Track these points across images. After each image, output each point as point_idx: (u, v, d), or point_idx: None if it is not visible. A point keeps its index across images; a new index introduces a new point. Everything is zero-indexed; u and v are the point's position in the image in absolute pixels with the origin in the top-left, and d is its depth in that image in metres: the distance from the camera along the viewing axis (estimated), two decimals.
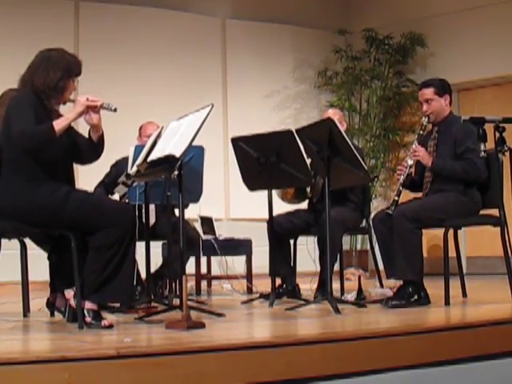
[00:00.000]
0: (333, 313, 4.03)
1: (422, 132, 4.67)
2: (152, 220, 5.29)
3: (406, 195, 4.75)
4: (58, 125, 3.53)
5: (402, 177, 4.62)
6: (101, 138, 3.75)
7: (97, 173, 5.55)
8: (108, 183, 5.46)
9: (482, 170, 4.44)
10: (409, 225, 4.32)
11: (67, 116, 3.60)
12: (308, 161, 4.60)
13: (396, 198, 4.55)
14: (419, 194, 4.77)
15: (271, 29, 8.96)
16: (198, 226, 6.10)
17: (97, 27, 7.97)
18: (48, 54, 3.69)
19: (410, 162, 4.63)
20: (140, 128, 5.67)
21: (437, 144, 4.65)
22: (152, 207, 5.27)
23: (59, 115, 3.72)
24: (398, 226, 4.36)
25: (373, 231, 4.77)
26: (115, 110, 3.68)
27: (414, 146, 4.63)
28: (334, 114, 5.33)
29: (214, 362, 2.73)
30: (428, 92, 4.63)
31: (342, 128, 4.49)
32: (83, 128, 3.92)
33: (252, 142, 4.66)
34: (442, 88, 4.65)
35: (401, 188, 4.62)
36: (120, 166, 5.43)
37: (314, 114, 8.94)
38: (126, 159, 5.09)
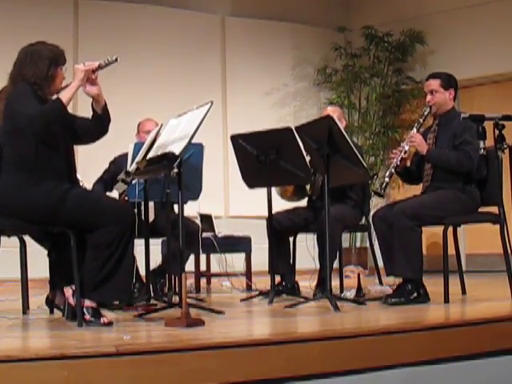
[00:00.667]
0: (332, 310, 4.03)
1: (421, 120, 4.68)
2: (151, 217, 5.28)
3: (406, 192, 4.75)
4: (64, 96, 3.54)
5: (395, 160, 4.61)
6: (105, 109, 3.74)
7: (95, 169, 5.55)
8: (106, 180, 5.46)
9: (476, 163, 4.44)
10: (408, 222, 4.32)
11: (71, 85, 3.61)
12: (307, 158, 4.60)
13: (387, 180, 4.57)
14: (417, 190, 4.76)
15: (271, 26, 8.96)
16: (197, 223, 6.09)
17: (96, 25, 7.97)
18: (31, 48, 3.70)
19: (406, 148, 4.61)
20: (138, 125, 5.67)
21: (436, 137, 4.65)
22: (151, 204, 5.27)
23: None
24: (397, 223, 4.36)
25: (373, 228, 4.77)
26: (116, 59, 3.64)
27: (411, 132, 4.65)
28: (333, 111, 5.33)
29: (213, 359, 2.73)
30: (434, 83, 4.65)
31: (342, 125, 4.49)
32: (82, 109, 3.91)
33: (251, 140, 4.65)
34: (448, 82, 4.67)
35: (393, 170, 4.62)
36: (119, 162, 5.42)
37: (313, 112, 8.94)
38: (124, 156, 5.08)
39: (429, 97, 4.67)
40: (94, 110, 3.75)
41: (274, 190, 4.94)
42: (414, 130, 4.66)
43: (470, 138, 4.41)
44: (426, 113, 4.67)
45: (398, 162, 4.61)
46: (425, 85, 4.75)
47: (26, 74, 3.62)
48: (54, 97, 3.69)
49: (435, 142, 4.64)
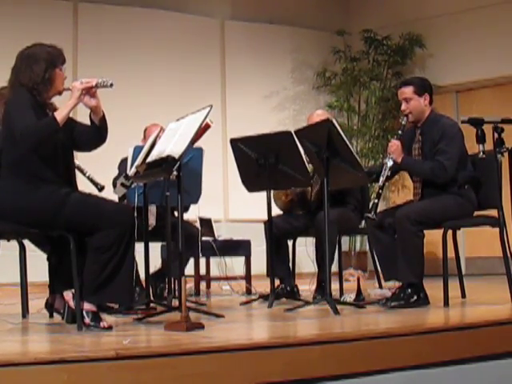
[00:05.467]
0: (332, 314, 4.03)
1: (400, 132, 4.59)
2: (154, 222, 5.30)
3: (406, 195, 4.74)
4: (59, 114, 3.53)
5: (381, 178, 4.57)
6: (103, 120, 3.73)
7: (97, 172, 5.53)
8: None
9: (451, 173, 4.39)
10: (412, 227, 4.29)
11: (66, 104, 3.60)
12: (310, 167, 4.59)
13: (376, 201, 4.47)
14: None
15: (270, 30, 8.97)
16: (197, 226, 6.10)
17: (95, 28, 7.98)
18: (27, 52, 3.68)
19: (389, 164, 4.54)
20: (145, 130, 5.66)
21: (421, 147, 4.57)
22: (154, 210, 5.29)
23: (55, 108, 3.72)
24: (400, 229, 4.33)
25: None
26: (111, 85, 3.64)
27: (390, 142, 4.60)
28: (321, 115, 5.26)
29: (213, 363, 2.73)
30: (407, 91, 4.55)
31: None
32: (82, 117, 3.92)
33: (251, 143, 4.65)
34: (422, 87, 4.57)
35: (380, 191, 4.56)
36: (121, 166, 5.42)
37: None
38: (124, 160, 5.08)
39: (404, 105, 4.56)
40: (91, 120, 3.74)
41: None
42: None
43: (445, 147, 4.37)
44: (403, 122, 4.57)
45: (384, 181, 4.57)
46: (398, 93, 4.64)
47: (22, 80, 3.60)
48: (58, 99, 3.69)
49: (421, 153, 4.56)
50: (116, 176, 5.51)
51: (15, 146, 3.52)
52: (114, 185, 4.83)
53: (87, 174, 4.92)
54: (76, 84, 3.62)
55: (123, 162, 5.55)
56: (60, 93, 3.72)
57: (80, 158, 4.67)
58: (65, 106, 3.58)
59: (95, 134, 3.75)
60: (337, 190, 4.69)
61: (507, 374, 3.36)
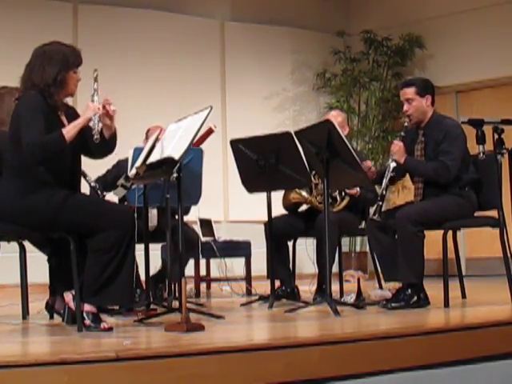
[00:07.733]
0: (332, 315, 4.03)
1: (403, 133, 4.58)
2: (155, 223, 5.30)
3: (405, 196, 4.74)
4: (68, 132, 3.49)
5: (384, 181, 4.58)
6: (113, 136, 3.69)
7: (96, 173, 5.54)
8: (105, 180, 5.42)
9: (454, 173, 4.39)
10: (413, 228, 4.30)
11: (76, 122, 3.54)
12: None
13: (380, 203, 4.47)
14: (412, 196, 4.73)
15: (270, 31, 8.97)
16: (197, 228, 6.10)
17: (95, 30, 7.97)
18: (42, 50, 3.62)
19: (393, 165, 4.54)
20: (147, 131, 5.65)
21: (424, 148, 4.56)
22: (155, 211, 5.28)
23: (69, 108, 3.71)
24: (401, 229, 4.33)
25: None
26: (96, 139, 3.51)
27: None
28: (336, 116, 5.28)
29: (213, 364, 2.73)
30: (409, 91, 4.54)
31: (344, 132, 4.45)
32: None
33: (251, 144, 4.65)
34: (424, 88, 4.55)
35: (384, 192, 4.55)
36: (121, 166, 5.41)
37: (312, 116, 8.95)
38: (126, 160, 5.08)
39: (405, 106, 4.54)
40: (102, 133, 3.69)
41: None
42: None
43: (448, 148, 4.37)
44: (406, 124, 4.57)
45: (388, 183, 4.57)
46: (400, 93, 4.63)
47: (34, 79, 3.56)
48: (69, 99, 3.66)
49: (424, 154, 4.55)
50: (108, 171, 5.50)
51: (20, 150, 3.49)
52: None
53: (87, 178, 4.92)
54: (90, 104, 3.56)
55: (119, 162, 5.55)
56: (72, 95, 3.69)
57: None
58: (74, 125, 3.53)
59: (103, 146, 3.68)
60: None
61: (508, 375, 3.36)
